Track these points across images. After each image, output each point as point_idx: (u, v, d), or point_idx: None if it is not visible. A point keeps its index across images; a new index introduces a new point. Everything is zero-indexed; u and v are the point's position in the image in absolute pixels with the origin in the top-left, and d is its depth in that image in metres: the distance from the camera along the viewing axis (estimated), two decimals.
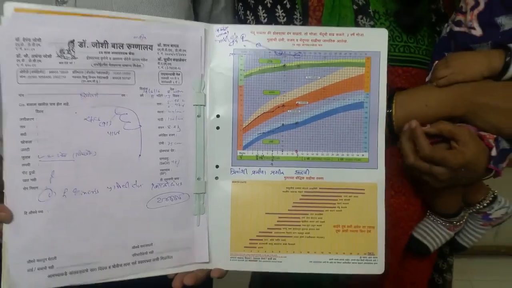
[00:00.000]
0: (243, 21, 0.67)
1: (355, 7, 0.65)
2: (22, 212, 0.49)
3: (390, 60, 0.64)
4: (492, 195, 0.71)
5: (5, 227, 0.49)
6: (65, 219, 0.51)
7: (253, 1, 0.66)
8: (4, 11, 0.47)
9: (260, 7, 0.65)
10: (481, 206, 0.71)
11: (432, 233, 0.70)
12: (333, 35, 0.58)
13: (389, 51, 0.64)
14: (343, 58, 0.58)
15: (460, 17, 0.64)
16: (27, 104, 0.49)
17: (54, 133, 0.50)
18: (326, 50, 0.58)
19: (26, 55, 0.49)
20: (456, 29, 0.64)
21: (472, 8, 0.61)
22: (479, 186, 0.71)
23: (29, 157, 0.49)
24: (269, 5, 0.64)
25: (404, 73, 0.67)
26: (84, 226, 0.52)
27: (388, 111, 0.59)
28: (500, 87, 0.58)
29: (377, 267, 0.58)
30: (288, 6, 0.64)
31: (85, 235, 0.52)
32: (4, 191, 0.49)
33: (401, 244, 0.71)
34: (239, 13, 0.68)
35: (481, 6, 0.61)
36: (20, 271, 0.49)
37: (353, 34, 0.58)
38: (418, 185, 0.69)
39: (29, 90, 0.49)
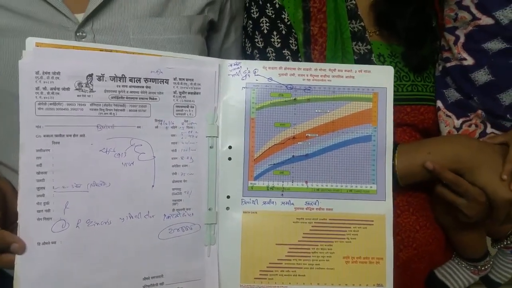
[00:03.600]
0: (245, 51, 0.66)
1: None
2: (35, 243, 0.46)
3: (398, 99, 0.63)
4: None
5: (18, 258, 0.46)
6: (78, 250, 0.48)
7: (250, 29, 0.65)
8: (26, 45, 0.46)
9: (257, 33, 0.64)
10: (510, 241, 0.68)
11: (456, 276, 0.68)
12: (342, 71, 0.57)
13: (396, 90, 0.64)
14: (351, 93, 0.57)
15: (446, 54, 0.64)
16: (44, 136, 0.47)
17: (70, 164, 0.48)
18: (335, 86, 0.57)
19: (45, 88, 0.47)
20: (448, 65, 0.64)
21: (455, 43, 0.62)
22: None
23: (44, 188, 0.47)
24: (265, 31, 0.63)
25: (413, 111, 0.66)
26: (97, 257, 0.49)
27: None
28: (495, 147, 0.58)
29: None
30: (283, 32, 0.63)
31: (98, 266, 0.49)
32: (18, 222, 0.46)
33: (424, 276, 0.68)
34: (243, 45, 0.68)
35: (462, 38, 0.61)
36: None
37: (361, 71, 0.57)
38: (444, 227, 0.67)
39: (47, 122, 0.47)
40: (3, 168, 0.53)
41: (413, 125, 0.66)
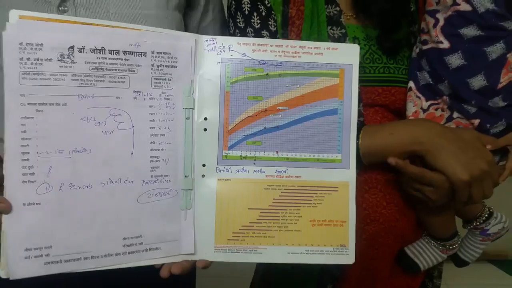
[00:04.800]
0: (228, 30, 0.69)
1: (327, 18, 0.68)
2: (20, 204, 0.50)
3: (370, 80, 0.68)
4: (488, 211, 0.72)
5: (4, 217, 0.49)
6: (61, 211, 0.52)
7: (233, 9, 0.68)
8: (10, 17, 0.48)
9: (238, 13, 0.67)
10: (478, 223, 0.72)
11: (425, 254, 0.72)
12: (311, 48, 0.61)
13: (369, 72, 0.68)
14: (319, 69, 0.61)
15: (424, 37, 0.67)
16: (28, 104, 0.50)
17: (52, 131, 0.51)
18: (304, 62, 0.60)
19: (28, 59, 0.50)
20: (425, 47, 0.66)
21: (434, 25, 0.64)
22: None
23: (28, 153, 0.50)
24: (246, 12, 0.67)
25: (384, 91, 0.69)
26: (79, 218, 0.53)
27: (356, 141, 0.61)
28: (461, 133, 0.61)
29: (348, 257, 0.60)
30: (263, 14, 0.67)
31: (79, 226, 0.53)
32: (4, 184, 0.49)
33: (393, 252, 0.73)
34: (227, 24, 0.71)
35: (441, 22, 0.64)
36: (17, 258, 0.49)
37: (329, 48, 0.61)
38: (414, 205, 0.71)
39: (30, 91, 0.50)
40: None
41: (385, 105, 0.70)
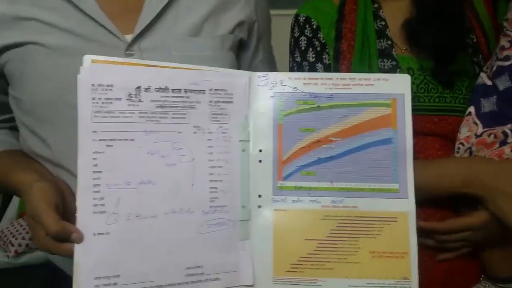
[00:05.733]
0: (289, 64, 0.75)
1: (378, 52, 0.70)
2: (91, 234, 0.53)
3: (426, 109, 0.68)
4: None
5: (76, 247, 0.52)
6: (129, 241, 0.54)
7: (292, 45, 0.74)
8: (83, 62, 0.54)
9: (296, 49, 0.72)
10: None
11: None
12: (362, 79, 0.63)
13: (424, 101, 0.69)
14: (371, 100, 0.62)
15: (506, 52, 0.64)
16: (99, 140, 0.55)
17: (121, 165, 0.55)
18: (355, 93, 0.62)
19: (100, 98, 0.55)
20: (507, 63, 0.64)
21: None
22: None
23: (99, 185, 0.54)
24: (303, 48, 0.71)
25: (440, 121, 0.70)
26: (145, 248, 0.55)
27: None
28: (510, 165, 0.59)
29: None
30: (318, 49, 0.71)
31: (145, 255, 0.55)
32: (76, 215, 0.53)
33: None
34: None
35: None
36: (88, 287, 0.52)
37: (379, 79, 0.63)
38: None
39: (101, 128, 0.55)
40: (62, 172, 0.60)
41: (441, 134, 0.70)
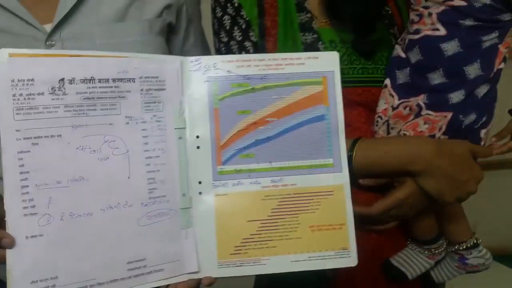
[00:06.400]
0: (214, 45, 0.74)
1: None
2: (23, 237, 0.51)
3: (349, 81, 0.70)
4: (474, 241, 0.72)
5: (8, 252, 0.50)
6: (64, 241, 0.53)
7: (216, 26, 0.72)
8: (0, 56, 0.50)
9: (221, 29, 0.72)
10: (460, 248, 0.72)
11: (411, 261, 0.71)
12: (293, 59, 0.64)
13: (347, 73, 0.71)
14: (302, 78, 0.64)
15: (416, 26, 0.67)
16: (24, 138, 0.52)
17: (50, 163, 0.53)
18: (287, 73, 0.63)
19: (21, 94, 0.52)
20: (417, 36, 0.66)
21: (429, 14, 0.65)
22: (464, 226, 0.73)
23: (27, 186, 0.52)
24: (227, 27, 0.71)
25: (364, 92, 0.72)
26: (82, 246, 0.54)
27: (349, 154, 0.63)
28: (455, 149, 0.63)
29: (351, 260, 0.61)
30: (243, 26, 0.71)
31: (83, 254, 0.54)
32: (5, 219, 0.50)
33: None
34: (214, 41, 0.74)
35: (441, 8, 0.64)
36: None
37: (309, 57, 0.64)
38: None
39: (25, 126, 0.52)
40: None
41: (366, 105, 0.73)
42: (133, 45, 0.60)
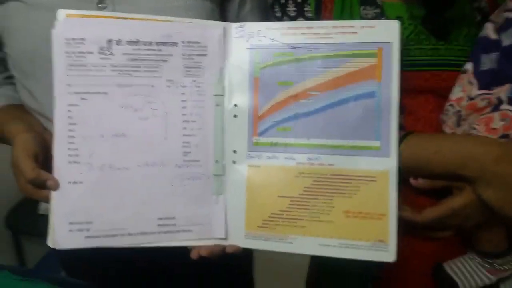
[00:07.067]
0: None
1: None
2: (66, 182, 0.57)
3: (416, 65, 0.62)
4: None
5: (52, 193, 0.57)
6: (101, 190, 0.58)
7: (270, 0, 0.69)
8: (58, 16, 0.56)
9: (275, 3, 0.68)
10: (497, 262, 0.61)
11: (467, 272, 0.62)
12: (344, 27, 0.58)
13: (413, 55, 0.62)
14: (354, 50, 0.58)
15: None
16: (74, 93, 0.57)
17: (95, 117, 0.58)
18: (337, 42, 0.58)
19: (73, 52, 0.57)
20: None
21: None
22: None
23: (74, 137, 0.57)
24: (282, 1, 0.66)
25: (433, 77, 0.63)
26: (117, 197, 0.58)
27: None
28: None
29: (387, 255, 0.56)
30: (298, 0, 0.66)
31: (117, 205, 0.58)
32: (53, 164, 0.57)
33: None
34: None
35: None
36: (62, 231, 0.57)
37: (364, 26, 0.58)
38: None
39: (76, 81, 0.57)
40: (50, 123, 0.64)
41: (435, 91, 0.63)
42: (178, 9, 0.61)
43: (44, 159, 0.58)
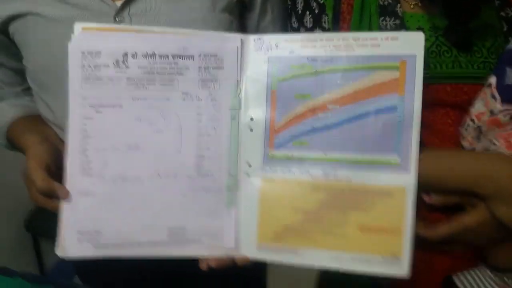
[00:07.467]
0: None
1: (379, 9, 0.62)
2: (77, 193, 0.57)
3: (437, 77, 0.60)
4: None
5: (62, 203, 0.57)
6: (112, 202, 0.58)
7: (289, 10, 0.67)
8: (74, 30, 0.56)
9: (293, 13, 0.66)
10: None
11: (476, 285, 0.60)
12: (366, 39, 0.56)
13: (434, 67, 0.60)
14: (376, 62, 0.56)
15: None
16: (89, 106, 0.57)
17: (109, 130, 0.58)
18: (358, 55, 0.56)
19: (89, 65, 0.57)
20: None
21: None
22: None
23: (87, 150, 0.57)
24: (299, 11, 0.65)
25: (454, 90, 0.60)
26: (128, 209, 0.58)
27: None
28: None
29: (400, 269, 0.54)
30: (316, 11, 0.64)
31: (128, 216, 0.58)
32: (65, 174, 0.57)
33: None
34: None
35: None
36: (71, 240, 0.57)
37: (387, 38, 0.56)
38: None
39: (91, 94, 0.57)
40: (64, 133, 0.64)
41: (455, 105, 0.61)
42: (195, 21, 0.61)
43: (57, 170, 0.58)
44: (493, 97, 0.56)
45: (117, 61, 0.57)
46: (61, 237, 0.57)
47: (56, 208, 0.57)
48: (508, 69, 0.56)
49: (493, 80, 0.57)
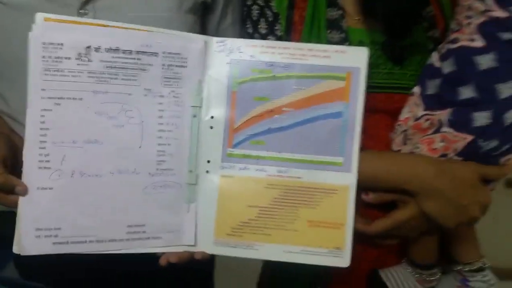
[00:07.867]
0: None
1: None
2: (35, 188, 0.56)
3: (373, 87, 0.66)
4: (481, 264, 0.68)
5: (20, 199, 0.55)
6: (71, 197, 0.57)
7: (244, 15, 0.71)
8: (36, 20, 0.54)
9: (248, 20, 0.70)
10: (465, 269, 0.68)
11: (399, 279, 0.68)
12: (319, 51, 0.62)
13: (372, 77, 0.66)
14: (326, 72, 0.62)
15: (455, 35, 0.62)
16: (48, 98, 0.56)
17: (68, 123, 0.57)
18: (311, 64, 0.62)
19: (50, 57, 0.55)
20: (453, 46, 0.62)
21: (469, 23, 0.60)
22: (472, 248, 0.69)
23: (45, 142, 0.56)
24: (254, 18, 0.69)
25: (387, 98, 0.68)
26: (87, 204, 0.58)
27: None
28: (458, 171, 0.60)
29: (342, 260, 0.61)
30: (270, 19, 0.69)
31: (87, 212, 0.58)
32: (22, 169, 0.55)
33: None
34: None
35: (481, 18, 0.59)
36: (29, 237, 0.56)
37: (337, 51, 0.62)
38: None
39: (51, 86, 0.56)
40: (19, 127, 0.62)
41: (389, 112, 0.69)
42: (161, 20, 0.62)
43: (12, 163, 0.57)
44: (417, 104, 0.65)
45: (79, 54, 0.57)
46: (19, 234, 0.55)
47: (15, 204, 0.55)
48: (427, 81, 0.65)
49: (417, 89, 0.66)
